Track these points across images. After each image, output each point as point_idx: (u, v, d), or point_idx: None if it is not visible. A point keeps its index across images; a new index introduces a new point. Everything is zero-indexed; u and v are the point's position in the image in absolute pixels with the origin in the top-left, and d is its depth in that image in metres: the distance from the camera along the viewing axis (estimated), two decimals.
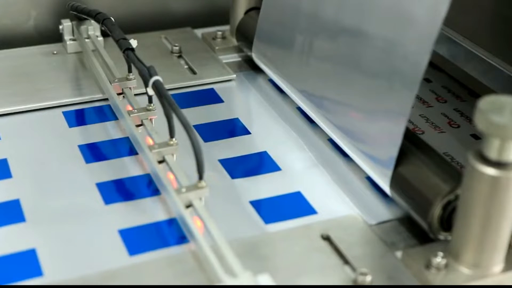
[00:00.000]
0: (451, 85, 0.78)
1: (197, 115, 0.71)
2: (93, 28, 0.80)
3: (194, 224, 0.54)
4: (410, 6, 0.55)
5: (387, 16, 0.58)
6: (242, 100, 0.76)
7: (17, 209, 0.58)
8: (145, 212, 0.59)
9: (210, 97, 0.75)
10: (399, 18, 0.56)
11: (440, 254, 0.51)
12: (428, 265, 0.51)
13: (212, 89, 0.76)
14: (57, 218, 0.58)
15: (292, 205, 0.60)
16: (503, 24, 0.74)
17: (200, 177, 0.56)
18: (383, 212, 0.59)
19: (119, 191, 0.61)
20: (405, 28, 0.55)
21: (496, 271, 0.51)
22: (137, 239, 0.56)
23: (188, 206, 0.55)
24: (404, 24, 0.56)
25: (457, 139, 0.69)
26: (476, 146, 0.49)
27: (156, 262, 0.53)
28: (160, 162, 0.60)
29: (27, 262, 0.53)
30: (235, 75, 0.78)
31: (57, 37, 0.82)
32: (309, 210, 0.59)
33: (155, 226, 0.57)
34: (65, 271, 0.53)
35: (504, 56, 0.71)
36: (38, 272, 0.53)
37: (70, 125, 0.69)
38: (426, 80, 0.79)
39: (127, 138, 0.67)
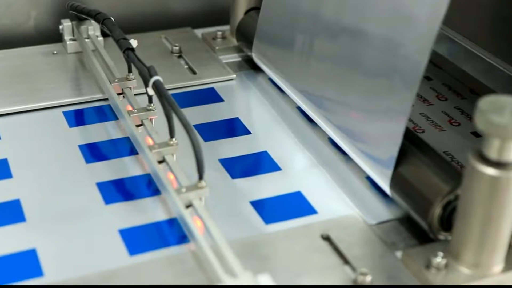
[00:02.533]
0: (451, 83, 0.78)
1: (197, 114, 0.71)
2: (93, 28, 0.80)
3: (194, 224, 0.54)
4: (410, 6, 0.55)
5: (387, 16, 0.57)
6: (243, 100, 0.76)
7: (17, 209, 0.58)
8: (145, 212, 0.59)
9: (210, 96, 0.75)
10: (399, 18, 0.56)
11: (440, 254, 0.51)
12: (428, 265, 0.51)
13: (212, 88, 0.76)
14: (57, 218, 0.58)
15: (293, 205, 0.60)
16: (503, 24, 0.74)
17: (200, 177, 0.56)
18: (383, 212, 0.59)
19: (119, 191, 0.61)
20: (404, 27, 0.55)
21: (496, 271, 0.51)
22: (137, 239, 0.56)
23: (188, 206, 0.55)
24: (404, 23, 0.56)
25: (457, 138, 0.69)
26: (476, 146, 0.49)
27: (156, 262, 0.53)
28: (160, 162, 0.60)
29: (28, 262, 0.53)
30: (235, 75, 0.78)
31: (57, 37, 0.82)
32: (309, 210, 0.59)
33: (155, 226, 0.57)
34: (65, 271, 0.53)
35: (504, 56, 0.71)
36: (38, 272, 0.53)
37: (70, 125, 0.69)
38: (427, 78, 0.79)
39: (127, 138, 0.67)
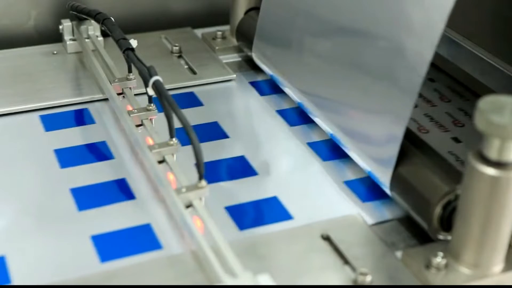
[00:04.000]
0: (455, 85, 0.78)
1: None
2: (93, 28, 0.80)
3: (194, 224, 0.54)
4: (412, 7, 0.55)
5: (388, 16, 0.57)
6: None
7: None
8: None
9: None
10: (401, 19, 0.56)
11: (440, 254, 0.51)
12: (428, 265, 0.51)
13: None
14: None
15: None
16: (503, 24, 0.74)
17: (200, 177, 0.56)
18: (383, 212, 0.59)
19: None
20: (407, 28, 0.55)
21: (496, 271, 0.51)
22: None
23: (188, 206, 0.55)
24: (406, 24, 0.55)
25: (462, 138, 0.69)
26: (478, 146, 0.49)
27: (156, 262, 0.53)
28: (160, 162, 0.60)
29: (145, 236, 0.55)
30: (235, 75, 0.78)
31: (57, 37, 0.82)
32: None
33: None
34: (179, 244, 0.55)
35: (504, 56, 0.71)
36: (157, 245, 0.55)
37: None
38: (430, 79, 0.78)
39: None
